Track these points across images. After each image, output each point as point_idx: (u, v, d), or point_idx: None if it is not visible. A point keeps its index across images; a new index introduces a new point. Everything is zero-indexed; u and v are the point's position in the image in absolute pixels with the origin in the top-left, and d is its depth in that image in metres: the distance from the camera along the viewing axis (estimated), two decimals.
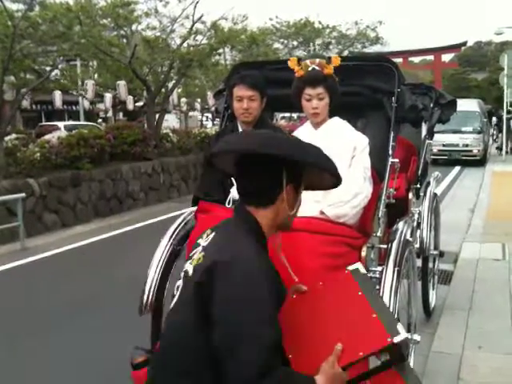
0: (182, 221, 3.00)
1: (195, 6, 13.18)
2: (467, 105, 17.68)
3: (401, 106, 3.01)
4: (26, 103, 16.63)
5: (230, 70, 3.45)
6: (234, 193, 2.83)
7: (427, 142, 4.66)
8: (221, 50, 15.14)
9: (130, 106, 20.70)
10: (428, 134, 4.65)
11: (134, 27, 13.43)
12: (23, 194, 7.71)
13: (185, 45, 13.33)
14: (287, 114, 27.90)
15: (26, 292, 5.53)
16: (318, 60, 2.74)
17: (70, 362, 3.86)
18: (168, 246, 2.86)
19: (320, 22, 26.15)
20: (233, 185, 2.85)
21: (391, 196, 2.97)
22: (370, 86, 3.09)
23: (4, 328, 4.54)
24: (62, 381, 3.62)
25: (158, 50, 12.53)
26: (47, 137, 10.35)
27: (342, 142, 2.72)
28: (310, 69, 2.71)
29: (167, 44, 13.32)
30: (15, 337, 4.35)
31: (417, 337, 2.88)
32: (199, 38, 13.65)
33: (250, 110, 2.86)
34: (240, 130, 2.99)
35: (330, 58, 2.86)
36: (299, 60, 2.79)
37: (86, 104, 21.63)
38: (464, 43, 42.53)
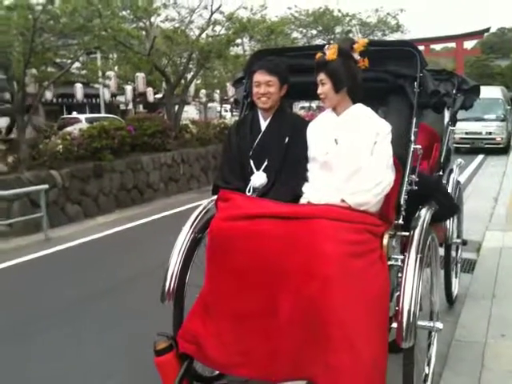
0: (203, 209, 3.01)
1: None
2: (490, 92, 17.35)
3: (423, 92, 2.96)
4: (48, 96, 16.81)
5: (250, 58, 3.43)
6: (254, 180, 2.83)
7: (450, 128, 4.59)
8: (239, 41, 15.08)
9: (150, 98, 20.79)
10: (451, 120, 4.58)
11: (152, 19, 13.44)
12: (46, 186, 7.81)
13: (203, 35, 13.31)
14: (306, 104, 27.79)
15: (50, 281, 5.62)
16: (327, 45, 2.74)
17: (94, 349, 3.92)
18: (189, 234, 2.87)
19: (339, 10, 25.94)
20: (253, 173, 2.86)
21: (413, 183, 2.93)
22: (392, 72, 3.04)
23: (28, 316, 4.63)
24: (87, 365, 3.67)
25: (176, 42, 12.53)
26: (69, 129, 10.47)
27: (364, 128, 2.70)
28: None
29: (186, 35, 13.30)
30: (38, 325, 4.43)
31: (439, 324, 2.85)
32: (218, 28, 13.62)
33: (267, 95, 2.85)
34: (260, 118, 2.98)
35: (353, 42, 2.83)
36: None
37: (107, 97, 21.78)
38: (487, 29, 41.65)
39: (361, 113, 2.76)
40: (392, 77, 3.04)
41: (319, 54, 2.76)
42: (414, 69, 2.95)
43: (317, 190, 2.71)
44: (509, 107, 18.88)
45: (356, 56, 2.75)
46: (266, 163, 2.84)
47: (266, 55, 3.25)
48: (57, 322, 4.48)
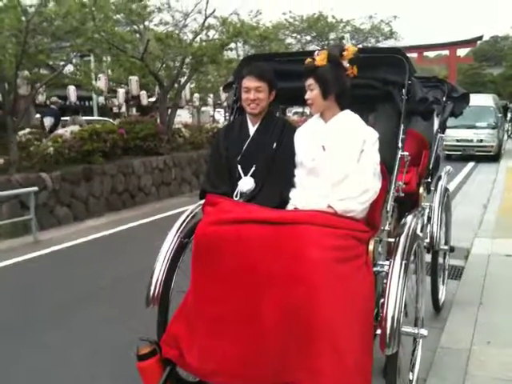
0: (190, 214, 3.00)
1: (207, 1, 13.17)
2: (482, 100, 17.50)
3: (411, 99, 2.98)
4: (41, 98, 16.75)
5: (240, 63, 3.44)
6: (241, 185, 2.83)
7: (439, 135, 4.62)
8: (233, 45, 15.10)
9: (144, 101, 20.75)
10: (440, 127, 4.62)
11: (146, 23, 13.42)
12: (36, 188, 7.79)
13: (197, 39, 13.31)
14: (300, 109, 27.83)
15: (38, 284, 5.59)
16: (316, 51, 2.75)
17: (80, 352, 3.90)
18: (175, 239, 2.86)
19: (334, 17, 26.04)
20: (240, 177, 2.86)
21: (400, 189, 2.94)
22: (381, 78, 3.06)
23: (16, 319, 4.60)
24: (73, 368, 3.65)
25: (169, 46, 12.53)
26: (60, 131, 10.44)
27: (351, 135, 2.71)
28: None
29: (180, 39, 13.30)
30: (27, 327, 4.40)
31: (424, 331, 2.86)
32: (212, 32, 13.62)
33: (256, 101, 2.86)
34: (249, 123, 2.99)
35: (343, 50, 2.84)
36: None
37: (100, 99, 21.70)
38: (480, 37, 42.00)
39: (348, 120, 2.77)
40: (381, 83, 3.06)
41: (308, 60, 2.77)
42: (402, 76, 2.97)
43: (304, 196, 2.71)
44: (500, 115, 19.00)
45: (345, 63, 2.76)
46: (253, 168, 2.84)
47: (256, 61, 3.27)
48: (43, 325, 4.45)
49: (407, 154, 2.93)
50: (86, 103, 23.44)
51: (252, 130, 2.96)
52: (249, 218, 2.48)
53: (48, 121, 12.13)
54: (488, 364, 3.35)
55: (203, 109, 24.60)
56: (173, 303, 2.79)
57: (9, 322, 4.54)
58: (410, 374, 3.01)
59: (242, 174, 2.86)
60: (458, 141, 16.76)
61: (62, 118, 13.30)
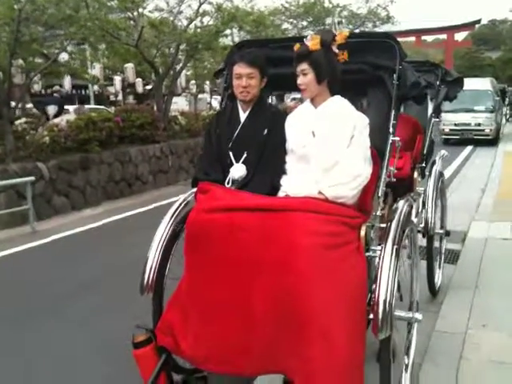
0: (183, 202, 3.00)
1: None
2: (479, 83, 17.47)
3: (402, 83, 2.96)
4: (37, 87, 16.68)
5: (231, 49, 3.41)
6: (233, 173, 2.82)
7: (433, 120, 4.62)
8: (228, 31, 14.97)
9: (140, 89, 20.67)
10: (434, 112, 4.61)
11: (140, 9, 13.28)
12: (32, 178, 7.77)
13: (192, 26, 13.20)
14: (297, 95, 27.70)
15: (37, 274, 5.60)
16: (309, 36, 2.72)
17: (78, 340, 3.92)
18: (168, 227, 2.86)
19: (330, 1, 25.80)
20: (232, 164, 2.85)
21: (392, 175, 2.94)
22: (371, 63, 3.04)
23: (13, 309, 4.61)
24: (68, 358, 3.67)
25: (163, 32, 12.42)
26: (56, 120, 10.40)
27: (341, 120, 2.69)
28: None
29: (174, 26, 13.18)
30: (24, 318, 4.42)
31: (418, 315, 2.87)
32: (206, 19, 13.50)
33: (248, 88, 2.84)
34: (240, 110, 2.97)
35: (334, 35, 2.82)
36: None
37: (96, 88, 21.62)
38: (478, 21, 41.78)
39: (338, 105, 2.74)
40: (371, 68, 3.03)
41: (297, 46, 2.74)
42: (393, 61, 2.95)
43: (295, 183, 2.70)
44: (498, 99, 18.95)
45: (334, 49, 2.74)
46: (245, 155, 2.83)
47: (247, 47, 3.24)
48: (41, 314, 4.47)
49: (398, 139, 2.91)
50: (83, 92, 23.36)
51: (243, 116, 2.94)
52: (240, 205, 2.47)
53: (52, 109, 12.23)
54: (483, 348, 3.37)
55: (200, 96, 24.44)
56: (167, 291, 2.79)
57: (7, 312, 4.55)
58: (406, 357, 3.02)
59: (234, 161, 2.85)
60: (455, 125, 16.77)
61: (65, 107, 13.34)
